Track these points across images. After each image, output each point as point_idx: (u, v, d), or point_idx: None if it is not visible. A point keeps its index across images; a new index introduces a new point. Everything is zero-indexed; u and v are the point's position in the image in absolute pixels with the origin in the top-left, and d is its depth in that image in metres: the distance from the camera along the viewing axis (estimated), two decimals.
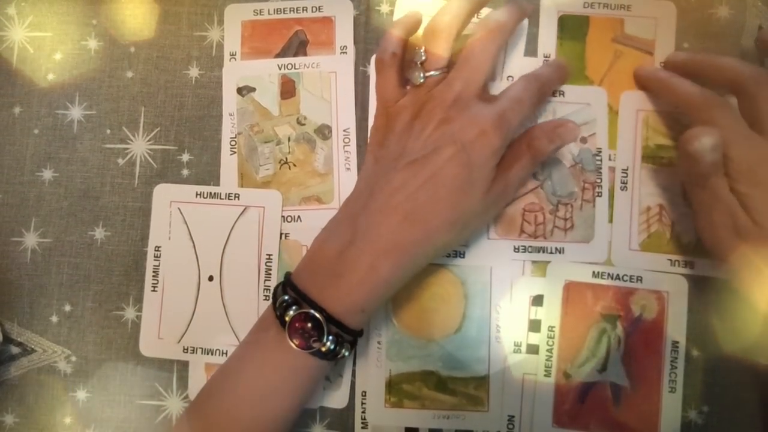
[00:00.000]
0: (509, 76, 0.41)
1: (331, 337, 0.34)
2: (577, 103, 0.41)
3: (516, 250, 0.40)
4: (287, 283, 0.35)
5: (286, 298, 0.34)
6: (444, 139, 0.35)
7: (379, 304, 0.35)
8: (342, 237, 0.34)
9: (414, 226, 0.34)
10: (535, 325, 0.39)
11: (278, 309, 0.34)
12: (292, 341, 0.34)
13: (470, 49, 0.37)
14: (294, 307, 0.34)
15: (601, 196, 0.40)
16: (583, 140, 0.40)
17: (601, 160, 0.40)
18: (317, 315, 0.33)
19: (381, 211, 0.34)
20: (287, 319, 0.34)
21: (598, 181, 0.40)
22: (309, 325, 0.33)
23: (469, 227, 0.37)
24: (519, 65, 0.41)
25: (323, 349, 0.34)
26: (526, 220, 0.40)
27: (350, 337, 0.35)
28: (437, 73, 0.37)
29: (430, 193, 0.34)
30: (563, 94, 0.41)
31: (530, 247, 0.40)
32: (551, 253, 0.40)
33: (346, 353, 0.35)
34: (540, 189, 0.40)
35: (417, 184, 0.34)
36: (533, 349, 0.39)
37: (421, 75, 0.37)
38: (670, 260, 0.39)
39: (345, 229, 0.35)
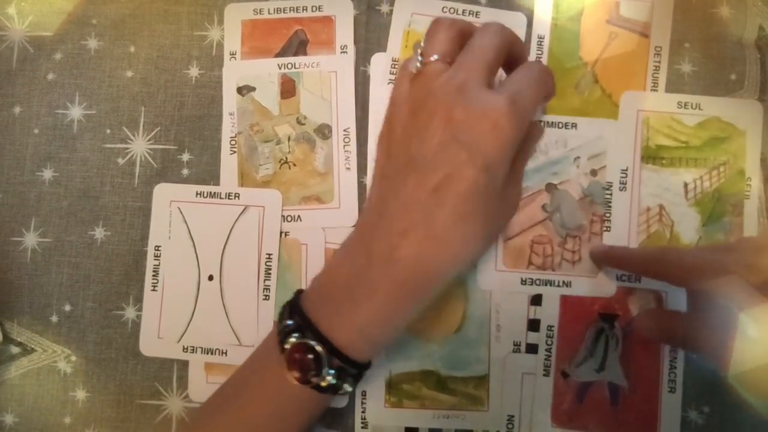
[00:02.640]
0: None
1: (332, 372, 0.31)
2: (588, 136, 0.40)
3: (523, 282, 0.39)
4: (294, 306, 0.32)
5: (290, 323, 0.32)
6: (454, 141, 0.30)
7: (393, 336, 0.32)
8: (356, 262, 0.31)
9: (436, 248, 0.30)
10: (534, 325, 0.39)
11: (280, 333, 0.32)
12: (291, 372, 0.31)
13: (473, 40, 0.33)
14: (296, 335, 0.31)
15: (609, 231, 0.39)
16: (594, 173, 0.40)
17: (611, 194, 0.40)
18: (318, 348, 0.30)
19: (395, 233, 0.30)
20: (287, 346, 0.31)
21: (607, 215, 0.40)
22: (310, 356, 0.30)
23: (496, 234, 0.35)
24: None
25: (323, 384, 0.31)
26: (534, 252, 0.40)
27: (354, 370, 0.32)
28: (437, 58, 0.32)
29: (449, 207, 0.30)
30: (575, 127, 0.40)
31: (538, 279, 0.39)
32: (558, 286, 0.39)
33: (349, 388, 0.32)
34: (549, 221, 0.40)
35: (432, 200, 0.30)
36: (532, 349, 0.39)
37: (419, 61, 0.33)
38: None
39: (358, 253, 0.32)
